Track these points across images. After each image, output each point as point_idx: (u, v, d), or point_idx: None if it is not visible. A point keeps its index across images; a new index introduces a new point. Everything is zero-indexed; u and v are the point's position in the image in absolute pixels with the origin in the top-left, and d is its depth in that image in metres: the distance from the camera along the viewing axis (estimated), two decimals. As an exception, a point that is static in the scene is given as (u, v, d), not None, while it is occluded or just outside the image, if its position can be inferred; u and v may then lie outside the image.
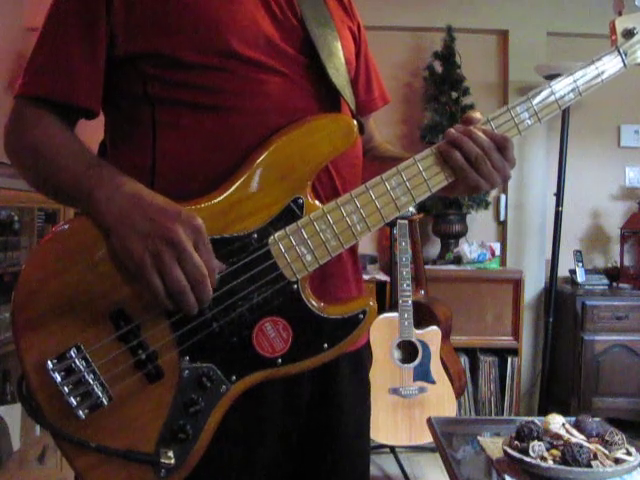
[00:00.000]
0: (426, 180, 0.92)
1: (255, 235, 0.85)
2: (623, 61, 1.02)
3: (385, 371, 2.68)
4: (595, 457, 1.18)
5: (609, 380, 3.16)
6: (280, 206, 0.86)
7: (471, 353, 3.35)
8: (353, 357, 1.02)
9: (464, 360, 3.28)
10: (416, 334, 2.73)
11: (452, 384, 2.75)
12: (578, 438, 1.24)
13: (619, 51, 1.02)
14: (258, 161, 0.87)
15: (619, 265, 3.55)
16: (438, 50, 3.51)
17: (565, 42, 3.61)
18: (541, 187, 3.62)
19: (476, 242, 3.48)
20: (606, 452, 1.20)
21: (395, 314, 2.72)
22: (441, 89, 3.49)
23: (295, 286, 0.87)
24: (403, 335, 2.71)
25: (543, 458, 1.19)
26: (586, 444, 1.21)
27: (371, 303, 0.91)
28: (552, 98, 0.98)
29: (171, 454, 0.83)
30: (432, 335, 2.76)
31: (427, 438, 2.61)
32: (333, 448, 1.01)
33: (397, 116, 3.66)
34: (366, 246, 3.59)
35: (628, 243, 3.53)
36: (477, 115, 0.94)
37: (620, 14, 1.05)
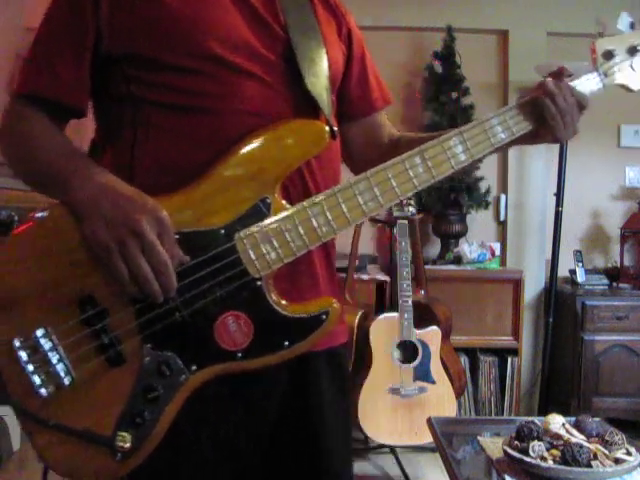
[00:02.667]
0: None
1: (222, 231, 0.88)
2: (602, 81, 1.08)
3: (385, 371, 2.67)
4: (595, 457, 1.18)
5: (609, 380, 3.15)
6: (248, 205, 0.89)
7: (471, 353, 3.35)
8: (331, 355, 1.03)
9: (464, 360, 3.28)
10: (416, 334, 2.72)
11: (452, 384, 2.75)
12: (578, 438, 1.24)
13: (598, 71, 1.07)
14: (229, 161, 0.89)
15: (619, 265, 3.55)
16: (438, 50, 3.51)
17: (565, 42, 3.60)
18: (541, 187, 3.62)
19: (476, 242, 3.48)
20: (606, 452, 1.20)
21: (395, 314, 2.71)
22: (441, 89, 3.49)
23: (258, 283, 0.89)
24: (403, 335, 2.71)
25: (543, 458, 1.19)
26: (586, 444, 1.21)
27: (335, 305, 0.91)
28: None
29: (128, 438, 0.85)
30: (432, 335, 2.75)
31: (427, 438, 2.60)
32: (310, 452, 1.01)
33: (397, 116, 3.65)
34: (366, 246, 3.59)
35: (628, 243, 3.52)
36: (567, 68, 1.03)
37: (601, 35, 1.07)
